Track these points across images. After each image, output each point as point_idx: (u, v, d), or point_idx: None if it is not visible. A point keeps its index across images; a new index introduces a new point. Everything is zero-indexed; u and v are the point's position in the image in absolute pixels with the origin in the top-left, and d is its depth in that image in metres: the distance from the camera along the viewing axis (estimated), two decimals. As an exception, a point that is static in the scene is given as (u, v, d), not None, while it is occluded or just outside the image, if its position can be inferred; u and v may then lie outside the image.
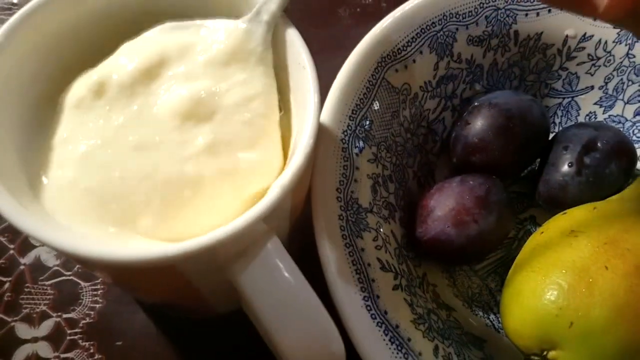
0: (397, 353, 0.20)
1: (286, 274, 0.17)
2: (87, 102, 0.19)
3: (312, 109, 0.17)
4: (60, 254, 0.19)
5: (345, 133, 0.23)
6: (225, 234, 0.15)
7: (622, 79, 0.28)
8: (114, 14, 0.21)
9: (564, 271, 0.21)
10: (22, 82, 0.19)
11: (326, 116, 0.23)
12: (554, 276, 0.21)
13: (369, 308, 0.21)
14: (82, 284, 0.27)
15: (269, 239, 0.17)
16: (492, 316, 0.26)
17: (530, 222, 0.29)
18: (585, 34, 0.28)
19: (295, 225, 0.22)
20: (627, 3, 0.13)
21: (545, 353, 0.21)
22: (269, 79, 0.19)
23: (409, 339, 0.21)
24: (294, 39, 0.19)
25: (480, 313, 0.26)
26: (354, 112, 0.24)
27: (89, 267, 0.22)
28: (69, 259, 0.27)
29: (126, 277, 0.19)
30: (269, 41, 0.19)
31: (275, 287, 0.17)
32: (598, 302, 0.20)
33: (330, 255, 0.21)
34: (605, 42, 0.28)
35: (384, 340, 0.20)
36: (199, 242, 0.15)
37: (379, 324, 0.20)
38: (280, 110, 0.21)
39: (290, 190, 0.16)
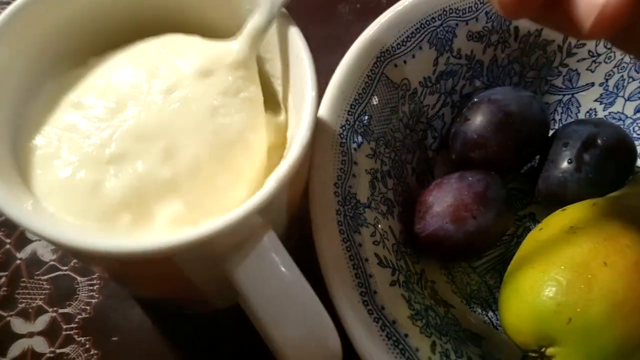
0: (394, 349, 0.20)
1: (282, 269, 0.17)
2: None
3: (309, 102, 0.17)
4: (56, 246, 0.19)
5: (344, 128, 0.23)
6: (220, 226, 0.15)
7: (622, 76, 0.28)
8: (107, 9, 0.21)
9: (562, 267, 0.20)
10: (14, 76, 0.19)
11: (324, 111, 0.23)
12: (552, 272, 0.20)
13: (365, 303, 0.20)
14: (79, 278, 0.27)
15: (265, 232, 0.17)
16: (490, 313, 0.26)
17: (530, 219, 0.29)
18: (585, 30, 0.28)
19: (292, 220, 0.21)
20: (610, 25, 0.12)
21: (543, 349, 0.21)
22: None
23: (406, 335, 0.21)
24: (292, 32, 0.19)
25: (479, 310, 0.26)
26: (353, 107, 0.24)
27: (84, 260, 0.22)
28: (65, 254, 0.27)
29: (122, 270, 0.19)
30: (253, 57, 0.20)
31: (271, 281, 0.17)
32: (597, 298, 0.19)
33: (327, 250, 0.21)
34: (606, 39, 0.28)
35: (381, 335, 0.20)
36: (194, 233, 0.15)
37: (376, 320, 0.20)
38: (280, 112, 0.21)
39: (287, 183, 0.16)
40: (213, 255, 0.17)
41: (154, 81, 0.18)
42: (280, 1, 0.19)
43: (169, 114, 0.18)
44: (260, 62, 0.21)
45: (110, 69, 0.19)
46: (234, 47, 0.19)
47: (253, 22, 0.19)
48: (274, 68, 0.21)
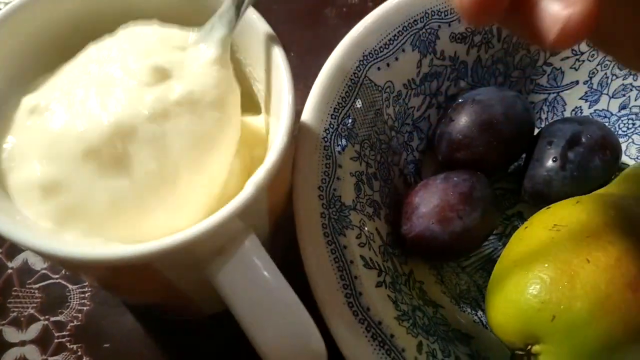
0: (380, 350, 0.20)
1: (264, 272, 0.17)
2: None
3: (286, 107, 0.17)
4: (37, 254, 0.19)
5: (327, 131, 0.24)
6: (199, 231, 0.15)
7: (606, 74, 0.28)
8: (93, 15, 0.21)
9: (546, 265, 0.21)
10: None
11: (308, 114, 0.24)
12: (536, 270, 0.21)
13: (350, 305, 0.21)
14: (70, 286, 0.27)
15: (247, 237, 0.17)
16: (479, 313, 0.26)
17: (518, 218, 0.29)
18: (568, 29, 0.28)
19: (277, 224, 0.22)
20: (574, 37, 0.12)
21: (529, 347, 0.21)
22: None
23: (392, 336, 0.21)
24: (268, 37, 0.20)
25: (468, 310, 0.26)
26: (336, 110, 0.24)
27: (68, 267, 0.23)
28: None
29: (106, 277, 0.19)
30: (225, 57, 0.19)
31: (252, 285, 0.17)
32: (580, 295, 0.19)
33: (312, 252, 0.21)
34: (589, 37, 0.28)
35: (366, 336, 0.20)
36: (173, 239, 0.15)
37: (361, 321, 0.20)
38: (261, 112, 0.21)
39: (265, 187, 0.16)
40: (194, 260, 0.17)
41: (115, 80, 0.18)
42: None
43: (131, 115, 0.17)
44: (240, 65, 0.21)
45: (73, 72, 0.19)
46: (202, 49, 0.19)
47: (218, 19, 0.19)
48: (256, 71, 0.21)
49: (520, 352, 0.21)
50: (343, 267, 0.21)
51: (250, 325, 0.17)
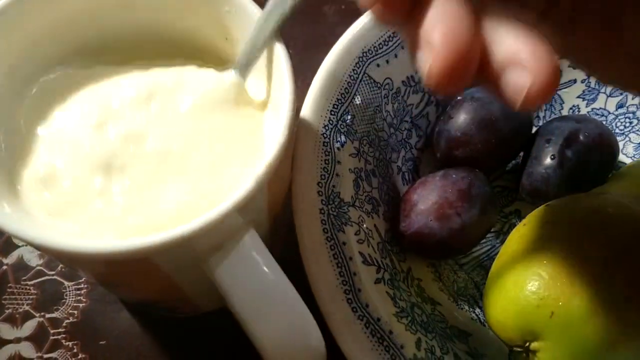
0: (378, 346, 0.20)
1: (263, 268, 0.17)
2: None
3: (286, 101, 0.17)
4: (35, 248, 0.19)
5: (327, 127, 0.23)
6: (198, 225, 0.15)
7: (604, 72, 0.28)
8: (93, 8, 0.21)
9: (544, 262, 0.21)
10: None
11: (307, 111, 0.23)
12: (534, 267, 0.21)
13: (349, 301, 0.20)
14: (66, 283, 0.27)
15: (246, 232, 0.17)
16: (477, 310, 0.26)
17: (516, 216, 0.29)
18: (566, 27, 0.28)
19: (277, 221, 0.22)
20: (541, 100, 0.12)
21: (527, 344, 0.21)
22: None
23: (391, 332, 0.21)
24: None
25: (466, 307, 0.26)
26: (335, 106, 0.24)
27: (65, 262, 0.22)
28: (52, 258, 0.27)
29: (104, 272, 0.19)
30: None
31: (252, 281, 0.17)
32: (578, 291, 0.20)
33: (311, 249, 0.21)
34: (587, 36, 0.28)
35: (365, 333, 0.20)
36: (172, 233, 0.15)
37: (360, 317, 0.20)
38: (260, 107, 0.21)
39: (265, 181, 0.16)
40: (193, 255, 0.17)
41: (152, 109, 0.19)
42: (270, 31, 0.19)
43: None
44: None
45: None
46: (226, 79, 0.20)
47: (244, 52, 0.20)
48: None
49: (519, 349, 0.21)
50: (342, 263, 0.21)
51: (249, 321, 0.17)
